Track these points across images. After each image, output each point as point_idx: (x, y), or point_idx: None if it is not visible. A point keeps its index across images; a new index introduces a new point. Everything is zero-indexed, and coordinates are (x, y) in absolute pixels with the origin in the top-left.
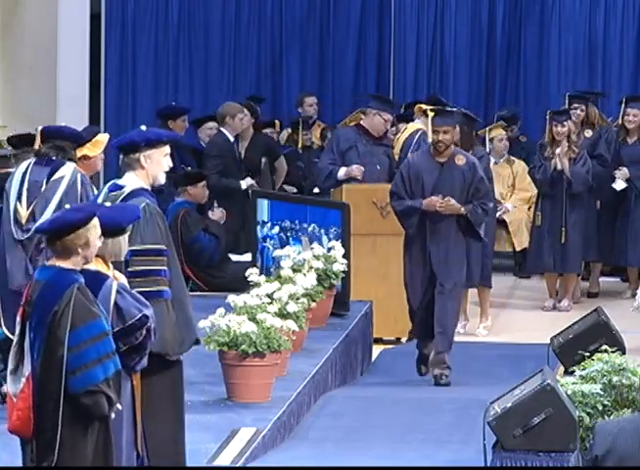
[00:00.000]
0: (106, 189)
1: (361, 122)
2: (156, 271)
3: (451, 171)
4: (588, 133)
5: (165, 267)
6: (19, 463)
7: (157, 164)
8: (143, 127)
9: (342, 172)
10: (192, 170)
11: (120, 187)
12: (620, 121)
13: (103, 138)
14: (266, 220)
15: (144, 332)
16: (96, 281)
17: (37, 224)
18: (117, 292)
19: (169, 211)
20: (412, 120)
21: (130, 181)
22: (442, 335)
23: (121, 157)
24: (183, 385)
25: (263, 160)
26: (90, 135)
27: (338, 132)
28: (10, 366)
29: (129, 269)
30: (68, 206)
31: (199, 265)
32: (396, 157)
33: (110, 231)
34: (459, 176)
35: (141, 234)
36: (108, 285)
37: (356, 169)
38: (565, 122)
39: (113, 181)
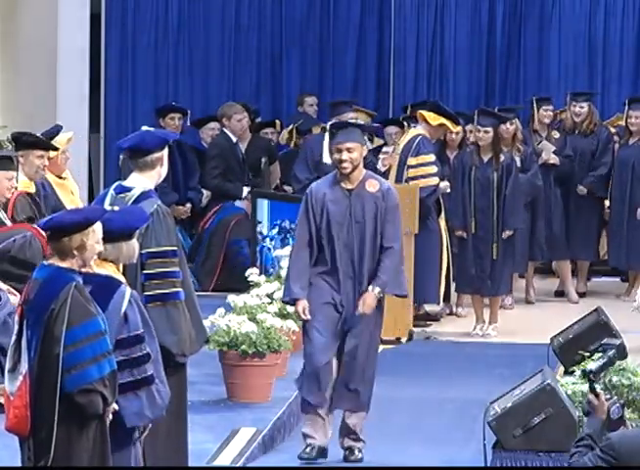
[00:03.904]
0: (112, 191)
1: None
2: (171, 273)
3: (362, 200)
4: (556, 135)
5: (179, 268)
6: (18, 463)
7: (165, 164)
8: (145, 128)
9: None
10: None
11: (127, 189)
12: (624, 123)
13: (62, 138)
14: (266, 220)
15: (143, 348)
16: (109, 285)
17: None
18: (129, 302)
19: (227, 208)
20: (409, 124)
21: (138, 182)
22: (357, 393)
23: (123, 158)
24: (187, 386)
25: (263, 159)
26: (50, 135)
27: (307, 143)
28: (7, 365)
29: (145, 271)
30: None
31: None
32: (396, 163)
33: (125, 235)
34: (371, 205)
35: (156, 236)
36: (121, 291)
37: None
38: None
39: (117, 183)
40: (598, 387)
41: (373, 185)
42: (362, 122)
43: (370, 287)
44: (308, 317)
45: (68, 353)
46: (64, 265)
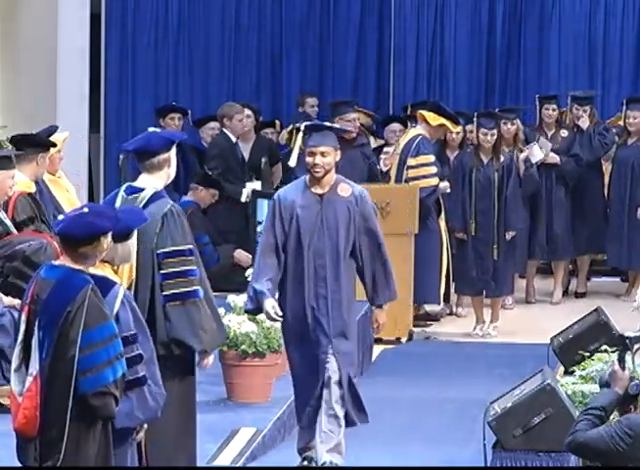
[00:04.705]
0: (122, 193)
1: None
2: (188, 272)
3: (333, 205)
4: (564, 133)
5: (196, 267)
6: (18, 463)
7: (174, 165)
8: (151, 129)
9: None
10: (214, 176)
11: (138, 190)
12: (623, 123)
13: (59, 138)
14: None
15: (135, 349)
16: (103, 286)
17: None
18: (122, 302)
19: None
20: (409, 123)
21: (148, 183)
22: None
23: (122, 158)
24: (196, 388)
25: (263, 160)
26: (46, 135)
27: None
28: (13, 364)
29: (162, 272)
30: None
31: None
32: (396, 163)
33: (122, 235)
34: (343, 211)
35: (171, 236)
36: (114, 292)
37: None
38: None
39: (127, 184)
40: (628, 359)
41: (345, 189)
42: (336, 125)
43: (377, 304)
44: (280, 314)
45: (83, 356)
46: (75, 266)
